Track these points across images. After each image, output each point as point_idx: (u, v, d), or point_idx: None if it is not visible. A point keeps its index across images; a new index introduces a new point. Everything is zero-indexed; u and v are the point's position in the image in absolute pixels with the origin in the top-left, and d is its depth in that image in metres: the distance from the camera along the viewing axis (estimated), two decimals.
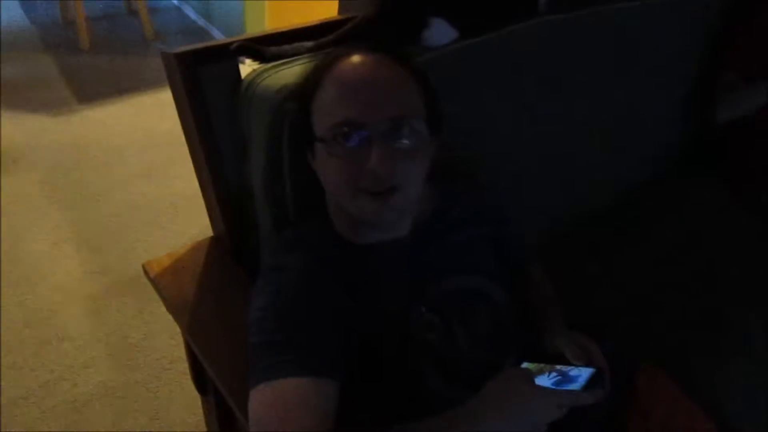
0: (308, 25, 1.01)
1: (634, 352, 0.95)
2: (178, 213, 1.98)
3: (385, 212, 0.74)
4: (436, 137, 0.77)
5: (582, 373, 0.70)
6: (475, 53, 1.01)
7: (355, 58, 0.73)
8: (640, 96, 1.34)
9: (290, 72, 0.88)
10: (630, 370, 0.93)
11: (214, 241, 1.04)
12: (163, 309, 1.59)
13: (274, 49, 0.94)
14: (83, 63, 2.76)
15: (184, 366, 1.52)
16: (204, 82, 0.89)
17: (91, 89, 2.57)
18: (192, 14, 3.24)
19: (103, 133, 2.34)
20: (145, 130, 2.38)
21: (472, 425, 0.65)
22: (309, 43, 0.96)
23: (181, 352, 1.55)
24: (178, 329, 1.55)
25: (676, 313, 1.12)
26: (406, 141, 0.71)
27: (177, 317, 0.93)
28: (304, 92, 0.76)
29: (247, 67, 0.93)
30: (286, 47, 0.95)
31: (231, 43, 0.91)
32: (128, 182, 2.11)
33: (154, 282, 0.96)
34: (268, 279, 0.79)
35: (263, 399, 0.67)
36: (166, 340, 1.60)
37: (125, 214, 1.98)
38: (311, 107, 0.74)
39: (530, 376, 0.68)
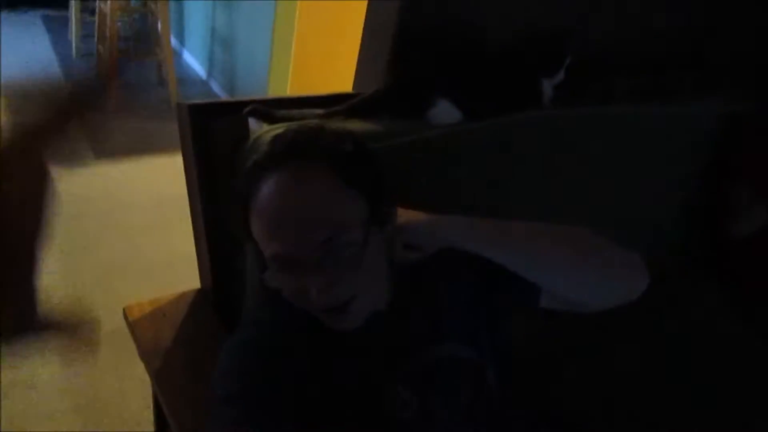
0: (319, 95, 1.06)
1: None
2: (172, 269, 1.97)
3: (347, 323, 0.71)
4: (388, 225, 0.72)
5: None
6: (474, 136, 1.04)
7: (278, 181, 0.67)
8: (637, 199, 1.36)
9: None
10: None
11: (200, 294, 1.03)
12: (139, 370, 1.56)
13: (283, 112, 0.98)
14: (107, 123, 2.87)
15: (151, 429, 1.46)
16: (213, 135, 0.93)
17: (110, 147, 2.65)
18: (216, 88, 3.40)
19: (112, 187, 2.39)
20: (154, 190, 2.43)
21: None
22: (319, 110, 1.00)
23: (151, 415, 1.49)
24: (148, 392, 1.51)
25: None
26: (347, 251, 0.66)
27: (148, 363, 0.90)
28: (240, 202, 0.71)
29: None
30: (294, 111, 0.99)
31: (244, 102, 0.95)
32: (128, 235, 2.13)
33: (132, 326, 0.94)
34: (242, 331, 0.78)
35: None
36: (138, 401, 1.53)
37: (118, 264, 1.98)
38: (249, 220, 0.70)
39: None
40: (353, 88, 1.29)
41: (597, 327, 1.23)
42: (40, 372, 1.57)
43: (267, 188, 0.67)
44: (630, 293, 0.79)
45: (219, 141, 0.93)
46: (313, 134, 0.72)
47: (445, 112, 1.04)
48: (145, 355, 0.91)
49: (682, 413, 1.09)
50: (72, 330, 0.49)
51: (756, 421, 1.09)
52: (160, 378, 0.86)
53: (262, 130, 0.94)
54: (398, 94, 1.04)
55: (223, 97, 3.32)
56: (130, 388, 1.56)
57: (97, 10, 3.11)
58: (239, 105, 0.95)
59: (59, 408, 1.48)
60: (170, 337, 0.93)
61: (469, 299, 0.81)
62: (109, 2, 2.82)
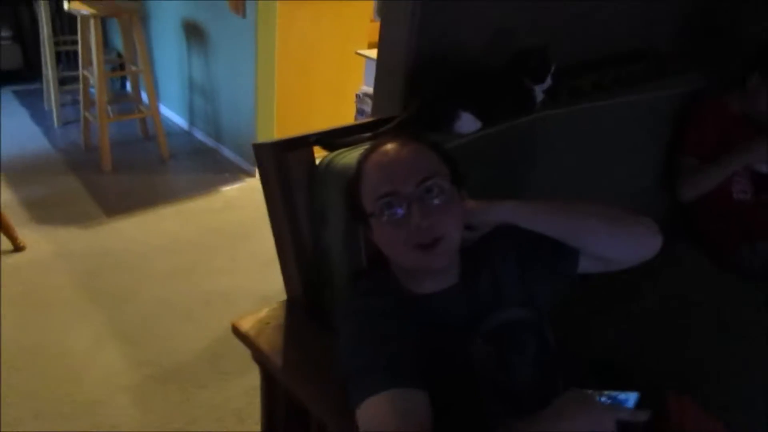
0: (361, 122, 1.27)
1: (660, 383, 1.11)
2: (209, 307, 2.11)
3: (435, 261, 0.91)
4: (463, 193, 0.95)
5: (629, 397, 0.81)
6: (492, 139, 1.27)
7: (384, 147, 0.93)
8: (621, 177, 1.61)
9: (352, 156, 1.10)
10: (660, 398, 1.09)
11: (288, 303, 1.20)
12: (206, 395, 1.72)
13: (339, 140, 1.18)
14: (106, 182, 2.99)
15: None
16: (288, 165, 1.11)
17: (116, 204, 2.78)
18: (201, 136, 3.56)
19: (130, 240, 2.52)
20: (168, 237, 2.56)
21: (548, 427, 0.77)
22: (368, 134, 1.20)
23: (230, 430, 1.64)
24: (223, 412, 1.66)
25: (684, 352, 1.30)
26: (437, 199, 0.88)
27: (267, 364, 1.07)
28: (351, 183, 0.96)
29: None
30: (349, 138, 1.19)
31: (308, 136, 1.15)
32: (157, 282, 2.26)
33: (244, 336, 1.10)
34: (350, 319, 0.96)
35: (367, 415, 0.81)
36: (211, 424, 1.67)
37: (158, 310, 2.11)
38: (360, 192, 0.94)
39: (591, 395, 0.80)
40: (372, 112, 1.50)
41: (608, 290, 1.47)
42: (115, 411, 1.69)
43: (377, 153, 0.93)
44: (650, 250, 1.00)
45: (293, 170, 1.12)
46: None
47: (467, 123, 1.25)
48: (260, 357, 1.08)
49: (689, 345, 1.33)
50: None
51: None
52: (286, 373, 1.03)
53: (328, 155, 1.13)
54: (426, 112, 1.25)
55: (210, 144, 3.48)
56: (200, 415, 1.70)
57: (80, 78, 3.24)
58: (303, 139, 1.15)
59: None
60: (279, 339, 1.10)
61: (520, 270, 1.00)
62: (96, 70, 2.96)
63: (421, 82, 1.34)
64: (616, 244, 0.99)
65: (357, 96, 2.33)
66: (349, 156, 1.10)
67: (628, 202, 1.59)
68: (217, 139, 3.42)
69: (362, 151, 0.98)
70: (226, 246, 2.52)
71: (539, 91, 1.39)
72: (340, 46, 3.13)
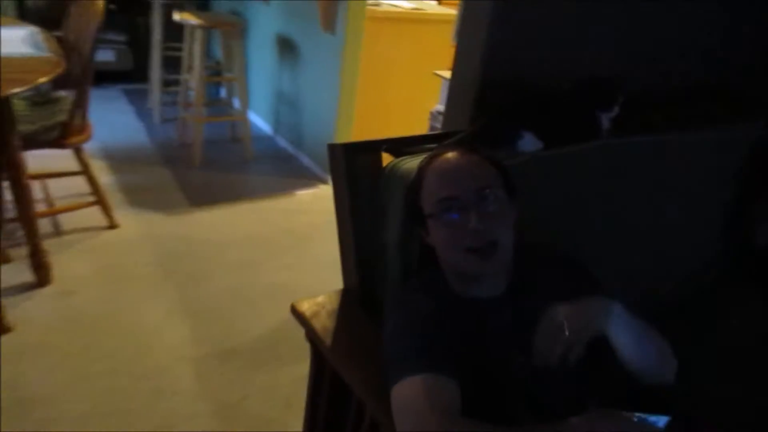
0: (429, 134, 1.37)
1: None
2: (271, 298, 2.26)
3: (486, 266, 0.97)
4: (515, 203, 1.01)
5: (660, 420, 0.83)
6: (552, 161, 1.32)
7: (446, 155, 1.02)
8: (681, 215, 1.58)
9: (413, 162, 1.20)
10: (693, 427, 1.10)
11: (344, 292, 1.31)
12: (259, 377, 1.85)
13: (407, 149, 1.28)
14: (194, 176, 3.25)
15: (279, 424, 1.72)
16: (357, 167, 1.23)
17: (200, 196, 3.02)
18: (283, 143, 3.78)
19: (209, 230, 2.73)
20: (243, 231, 2.76)
21: None
22: (432, 145, 1.30)
23: (277, 413, 1.76)
24: (273, 394, 1.77)
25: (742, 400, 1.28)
26: (492, 206, 0.96)
27: (318, 343, 1.18)
28: (412, 186, 1.05)
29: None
30: (414, 147, 1.29)
31: (379, 142, 1.26)
32: (228, 270, 2.44)
33: (300, 315, 1.22)
34: (398, 310, 1.05)
35: (400, 394, 0.89)
36: (262, 403, 1.79)
37: (226, 295, 2.28)
38: (420, 195, 1.02)
39: (618, 414, 0.83)
40: (443, 126, 1.60)
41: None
42: (176, 379, 1.85)
43: (440, 160, 1.02)
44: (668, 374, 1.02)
45: (361, 170, 1.23)
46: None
47: (529, 142, 1.32)
48: (314, 336, 1.18)
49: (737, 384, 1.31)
50: None
51: None
52: (332, 350, 1.13)
53: (393, 161, 1.24)
54: (489, 129, 1.33)
55: (290, 150, 3.69)
56: (252, 393, 1.83)
57: (181, 82, 3.55)
58: (374, 144, 1.26)
59: (198, 410, 1.75)
60: (332, 323, 1.20)
61: (559, 293, 1.02)
62: (196, 75, 3.25)
63: (489, 102, 1.43)
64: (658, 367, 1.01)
65: (431, 113, 2.43)
66: (411, 163, 1.19)
67: (683, 242, 1.61)
68: (297, 146, 3.63)
69: (423, 158, 1.08)
70: (293, 245, 2.68)
71: (606, 119, 1.43)
72: (419, 67, 3.27)
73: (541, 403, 0.96)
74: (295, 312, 1.24)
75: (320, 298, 1.27)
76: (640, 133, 1.50)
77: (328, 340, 1.16)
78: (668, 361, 1.02)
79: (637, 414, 0.84)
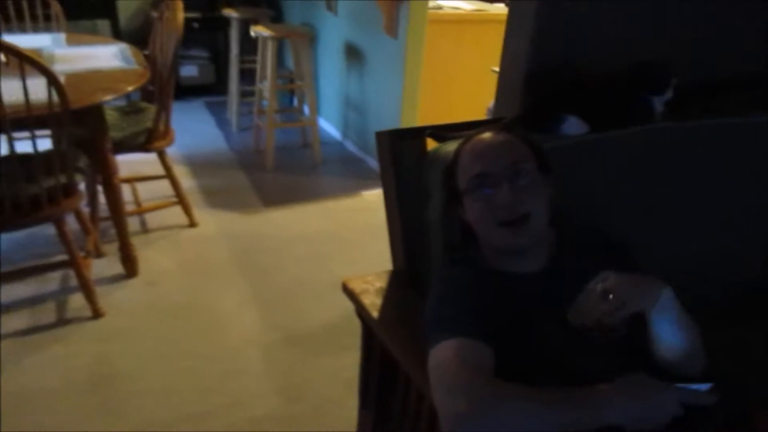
0: (472, 120, 1.41)
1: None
2: (336, 290, 2.34)
3: (520, 238, 1.00)
4: (548, 179, 1.04)
5: (701, 387, 0.84)
6: (598, 145, 1.33)
7: (481, 135, 1.07)
8: (739, 205, 1.49)
9: (454, 146, 1.24)
10: (747, 410, 1.07)
11: (393, 273, 1.38)
12: (322, 362, 1.94)
13: (450, 134, 1.33)
14: (267, 179, 3.45)
15: (339, 405, 1.81)
16: (403, 152, 1.30)
17: (273, 197, 3.20)
18: (351, 147, 3.92)
19: (279, 228, 2.89)
20: (311, 229, 2.90)
21: (604, 405, 0.80)
22: (474, 131, 1.34)
23: (337, 395, 1.85)
24: (335, 377, 1.86)
25: None
26: (525, 179, 0.99)
27: (366, 317, 1.25)
28: (450, 166, 1.10)
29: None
30: (456, 133, 1.34)
31: (423, 129, 1.32)
32: (297, 265, 2.57)
33: (351, 292, 1.30)
34: (439, 282, 1.10)
35: (435, 355, 0.94)
36: (325, 385, 1.89)
37: (294, 287, 2.41)
38: (456, 173, 1.07)
39: (651, 381, 0.83)
40: (495, 112, 1.63)
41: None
42: (247, 361, 1.99)
43: (474, 140, 1.07)
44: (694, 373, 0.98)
45: (406, 156, 1.30)
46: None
47: (573, 126, 1.34)
48: (364, 311, 1.26)
49: None
50: None
51: None
52: (379, 324, 1.21)
53: (436, 146, 1.30)
54: (533, 114, 1.36)
55: (358, 154, 3.82)
56: (316, 376, 1.93)
57: (256, 92, 3.78)
58: (419, 130, 1.32)
59: (266, 389, 1.87)
60: (379, 299, 1.27)
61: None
62: (269, 83, 3.45)
63: (537, 90, 1.45)
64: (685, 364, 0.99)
65: (488, 110, 2.46)
66: (453, 146, 1.23)
67: (737, 233, 1.51)
68: (364, 149, 3.75)
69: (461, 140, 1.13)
70: (358, 242, 2.78)
71: (659, 103, 1.42)
72: (480, 66, 3.29)
73: (573, 375, 0.97)
74: (346, 289, 1.33)
75: (369, 277, 1.35)
76: (695, 117, 1.47)
77: (375, 314, 1.23)
78: (698, 360, 1.00)
79: (678, 384, 0.84)
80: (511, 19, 1.51)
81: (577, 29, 1.44)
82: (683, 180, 1.43)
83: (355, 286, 1.32)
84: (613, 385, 0.83)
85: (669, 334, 0.95)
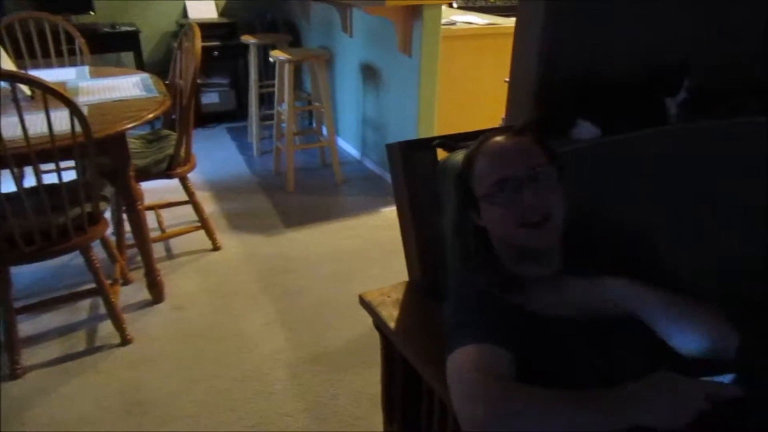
0: (482, 129, 1.41)
1: None
2: (361, 308, 2.35)
3: (543, 239, 1.00)
4: (563, 183, 1.03)
5: (724, 378, 0.83)
6: (611, 148, 1.31)
7: (496, 138, 1.06)
8: (756, 206, 1.42)
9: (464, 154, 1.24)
10: None
11: (409, 283, 1.37)
12: (348, 378, 1.94)
13: (459, 144, 1.33)
14: (289, 200, 3.49)
15: (365, 422, 1.79)
16: (414, 163, 1.30)
17: (295, 219, 3.23)
18: (370, 165, 3.95)
19: (303, 249, 2.91)
20: (334, 248, 2.91)
21: (628, 405, 0.80)
22: (483, 137, 1.34)
23: (362, 412, 1.84)
24: (361, 394, 1.86)
25: None
26: (543, 180, 0.99)
27: (385, 329, 1.25)
28: (463, 170, 1.09)
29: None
30: (468, 143, 1.34)
31: (433, 139, 1.33)
32: (321, 283, 2.58)
33: (368, 304, 1.30)
34: (455, 290, 1.09)
35: (454, 361, 0.93)
36: (351, 402, 1.89)
37: (318, 306, 2.42)
38: (471, 178, 1.06)
39: (677, 377, 0.81)
40: (506, 119, 1.63)
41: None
42: (275, 381, 1.99)
43: (490, 143, 1.06)
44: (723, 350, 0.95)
45: (417, 167, 1.30)
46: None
47: (584, 130, 1.33)
48: (380, 324, 1.26)
49: None
50: None
51: None
52: (397, 335, 1.20)
53: (447, 156, 1.30)
54: (544, 119, 1.35)
55: (377, 171, 3.84)
56: (342, 393, 1.93)
57: (275, 116, 3.84)
58: (428, 141, 1.33)
59: (293, 408, 1.87)
60: (397, 311, 1.27)
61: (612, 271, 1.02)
62: (287, 106, 3.51)
63: (548, 96, 1.44)
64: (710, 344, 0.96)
65: (503, 120, 2.46)
66: (463, 155, 1.24)
67: (754, 237, 1.45)
68: (383, 167, 3.77)
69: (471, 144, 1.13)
70: (381, 258, 2.78)
71: (673, 104, 1.40)
72: (496, 79, 3.29)
73: (596, 376, 0.94)
74: (363, 302, 1.33)
75: (386, 288, 1.35)
76: (709, 118, 1.43)
77: (393, 325, 1.23)
78: (726, 346, 0.96)
79: (701, 379, 0.82)
80: (519, 32, 1.51)
81: (585, 38, 1.43)
82: (698, 181, 1.40)
83: (372, 298, 1.32)
84: (636, 384, 0.82)
85: (681, 341, 0.95)
